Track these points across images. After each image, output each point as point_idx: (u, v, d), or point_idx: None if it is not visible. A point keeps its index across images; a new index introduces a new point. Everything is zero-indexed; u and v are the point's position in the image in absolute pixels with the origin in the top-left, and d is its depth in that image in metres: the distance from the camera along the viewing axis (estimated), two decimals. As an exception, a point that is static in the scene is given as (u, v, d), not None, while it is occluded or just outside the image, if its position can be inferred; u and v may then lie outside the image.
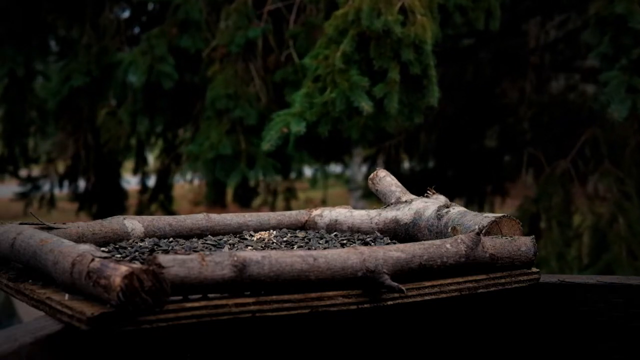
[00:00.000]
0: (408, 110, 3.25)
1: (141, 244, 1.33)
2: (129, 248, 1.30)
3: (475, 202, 5.85)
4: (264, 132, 3.28)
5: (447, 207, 1.40)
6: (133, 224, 1.41)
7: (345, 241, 1.40)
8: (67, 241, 1.13)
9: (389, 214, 1.49)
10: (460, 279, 1.21)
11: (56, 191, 6.70)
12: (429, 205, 1.43)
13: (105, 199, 6.31)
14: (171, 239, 1.41)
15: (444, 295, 1.19)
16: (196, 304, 1.01)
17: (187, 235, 1.45)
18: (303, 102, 3.20)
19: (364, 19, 3.12)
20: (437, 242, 1.22)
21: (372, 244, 1.36)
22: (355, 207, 1.66)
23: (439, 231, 1.37)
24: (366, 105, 3.07)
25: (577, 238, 4.74)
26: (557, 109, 5.64)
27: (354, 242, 1.39)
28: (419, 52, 3.13)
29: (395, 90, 3.11)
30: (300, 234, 1.48)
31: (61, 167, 6.67)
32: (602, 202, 4.76)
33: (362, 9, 3.14)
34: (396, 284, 1.13)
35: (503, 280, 1.26)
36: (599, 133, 4.66)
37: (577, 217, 4.91)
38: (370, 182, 1.63)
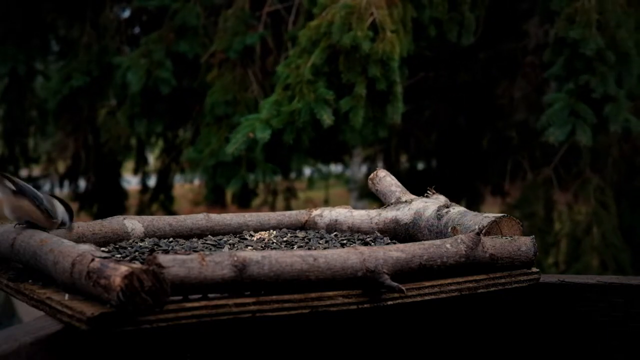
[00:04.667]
0: (373, 124, 3.33)
1: (141, 244, 1.33)
2: (129, 248, 1.30)
3: (464, 203, 5.81)
4: (231, 135, 3.35)
5: (447, 207, 1.40)
6: (133, 224, 1.41)
7: (345, 241, 1.40)
8: (67, 241, 1.13)
9: (389, 214, 1.49)
10: (460, 279, 1.21)
11: (56, 191, 6.69)
12: (429, 205, 1.43)
13: (105, 199, 6.30)
14: (171, 239, 1.41)
15: (444, 295, 1.19)
16: (196, 304, 1.01)
17: (187, 235, 1.45)
18: (271, 109, 3.28)
19: (335, 33, 3.20)
20: (437, 242, 1.22)
21: (372, 244, 1.36)
22: (355, 207, 1.66)
23: (439, 231, 1.37)
24: (327, 119, 3.16)
25: (554, 245, 4.72)
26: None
27: (354, 242, 1.39)
28: (385, 68, 3.20)
29: (361, 104, 3.20)
30: (300, 234, 1.48)
31: (61, 167, 6.66)
32: (582, 206, 4.73)
33: (334, 22, 3.21)
34: (396, 284, 1.13)
35: (503, 280, 1.26)
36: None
37: (557, 224, 4.89)
38: (370, 182, 1.63)
